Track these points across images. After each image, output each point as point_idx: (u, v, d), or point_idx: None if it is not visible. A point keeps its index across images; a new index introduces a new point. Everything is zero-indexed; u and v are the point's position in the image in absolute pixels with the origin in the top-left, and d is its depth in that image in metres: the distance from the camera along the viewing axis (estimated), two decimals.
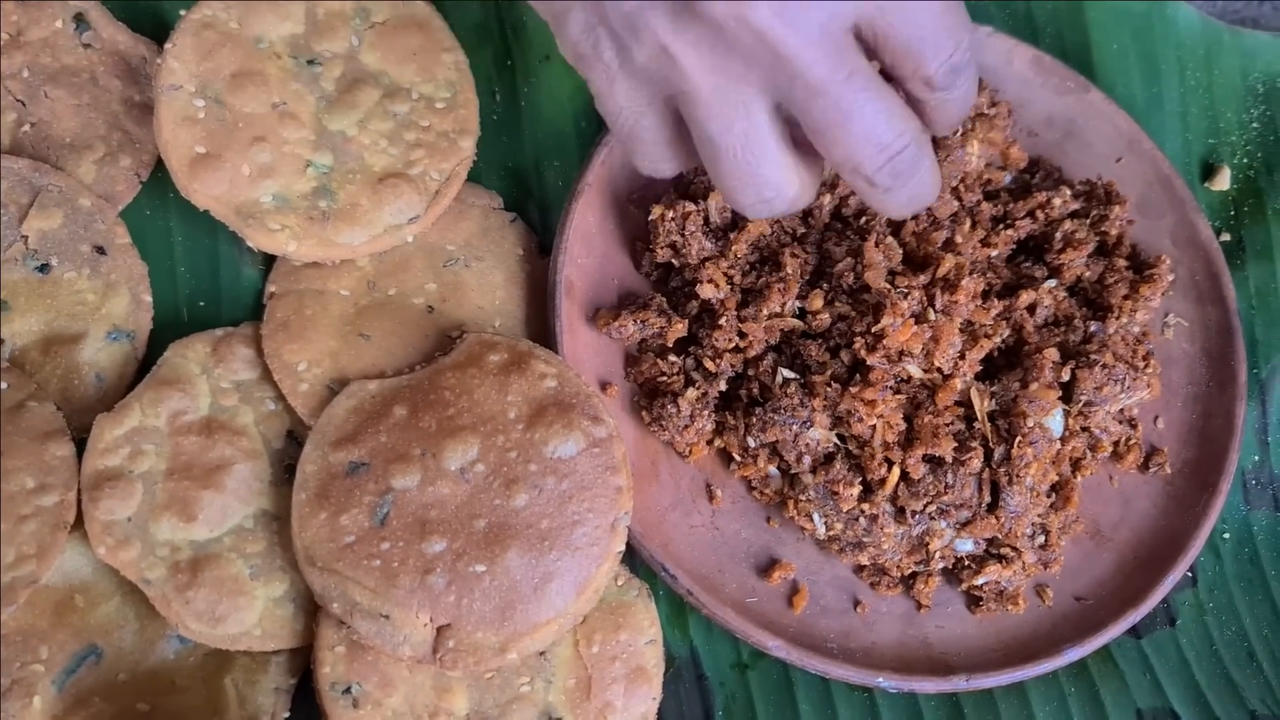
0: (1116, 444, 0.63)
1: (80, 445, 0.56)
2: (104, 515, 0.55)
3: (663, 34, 0.44)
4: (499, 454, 0.53)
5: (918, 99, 0.47)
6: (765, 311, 0.59)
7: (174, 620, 0.54)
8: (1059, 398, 0.59)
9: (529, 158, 0.67)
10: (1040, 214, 0.64)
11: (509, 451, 0.53)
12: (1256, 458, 0.67)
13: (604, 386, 0.60)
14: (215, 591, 0.55)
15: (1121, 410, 0.62)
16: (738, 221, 0.61)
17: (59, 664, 0.53)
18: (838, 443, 0.59)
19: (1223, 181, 0.72)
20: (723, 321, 0.59)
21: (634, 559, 0.59)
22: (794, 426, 0.57)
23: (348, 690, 0.54)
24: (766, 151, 0.46)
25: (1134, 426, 0.64)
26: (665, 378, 0.60)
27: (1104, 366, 0.60)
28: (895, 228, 0.61)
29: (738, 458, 0.61)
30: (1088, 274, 0.65)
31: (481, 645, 0.51)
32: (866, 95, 0.44)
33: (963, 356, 0.59)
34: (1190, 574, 0.64)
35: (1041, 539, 0.61)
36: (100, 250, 0.61)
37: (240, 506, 0.57)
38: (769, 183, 0.46)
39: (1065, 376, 0.60)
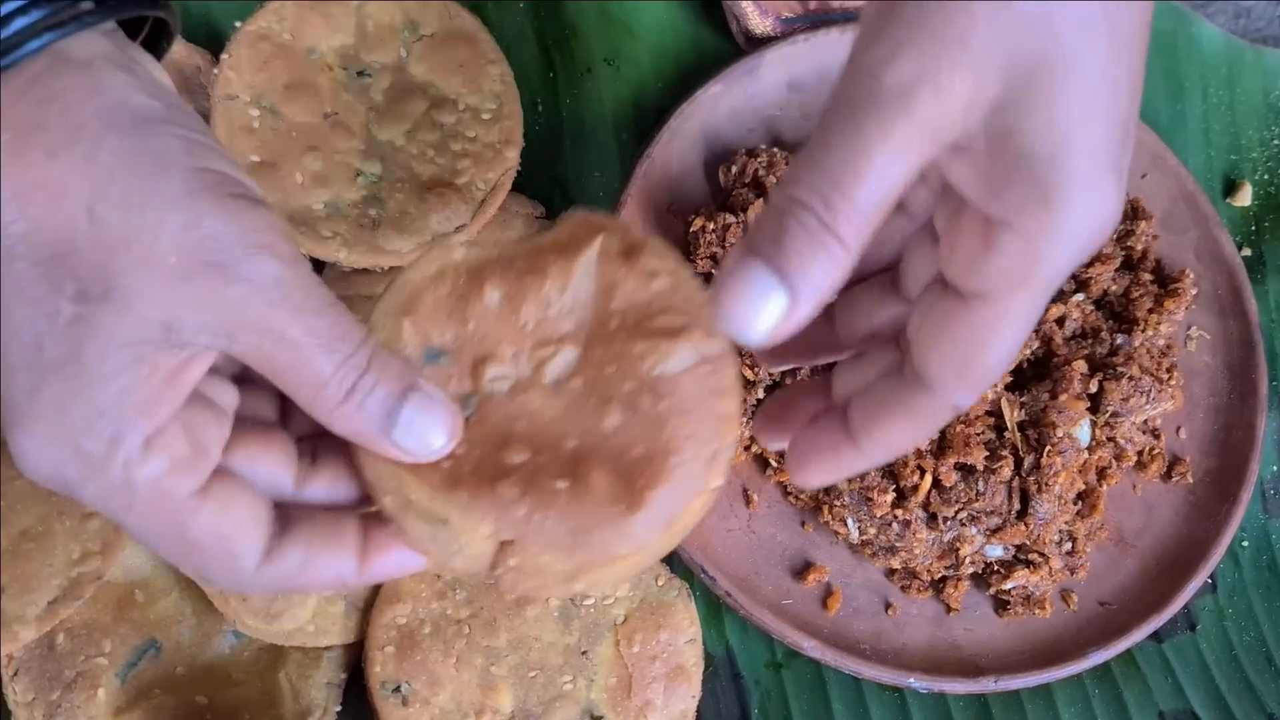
0: (1141, 454, 0.64)
1: None
2: None
3: None
4: (596, 367, 0.45)
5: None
6: None
7: (231, 616, 0.56)
8: (1086, 408, 0.61)
9: (571, 168, 0.68)
10: None
11: (607, 366, 0.45)
12: (1276, 468, 0.68)
13: None
14: None
15: (1146, 421, 0.64)
16: None
17: (121, 657, 0.55)
18: None
19: (1244, 197, 0.74)
20: None
21: (673, 560, 0.60)
22: None
23: (397, 689, 0.56)
24: None
25: (1157, 437, 0.65)
26: None
27: (1130, 378, 0.61)
28: None
29: (774, 464, 0.62)
30: (1114, 288, 0.66)
31: (547, 570, 0.43)
32: None
33: None
34: (1210, 580, 0.66)
35: (1069, 545, 0.62)
36: None
37: None
38: None
39: (1093, 388, 0.61)
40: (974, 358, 0.36)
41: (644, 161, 0.64)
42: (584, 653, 0.57)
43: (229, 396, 0.39)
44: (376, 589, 0.58)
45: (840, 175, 0.33)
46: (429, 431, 0.38)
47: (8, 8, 0.34)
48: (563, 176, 0.68)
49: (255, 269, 0.34)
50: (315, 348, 0.35)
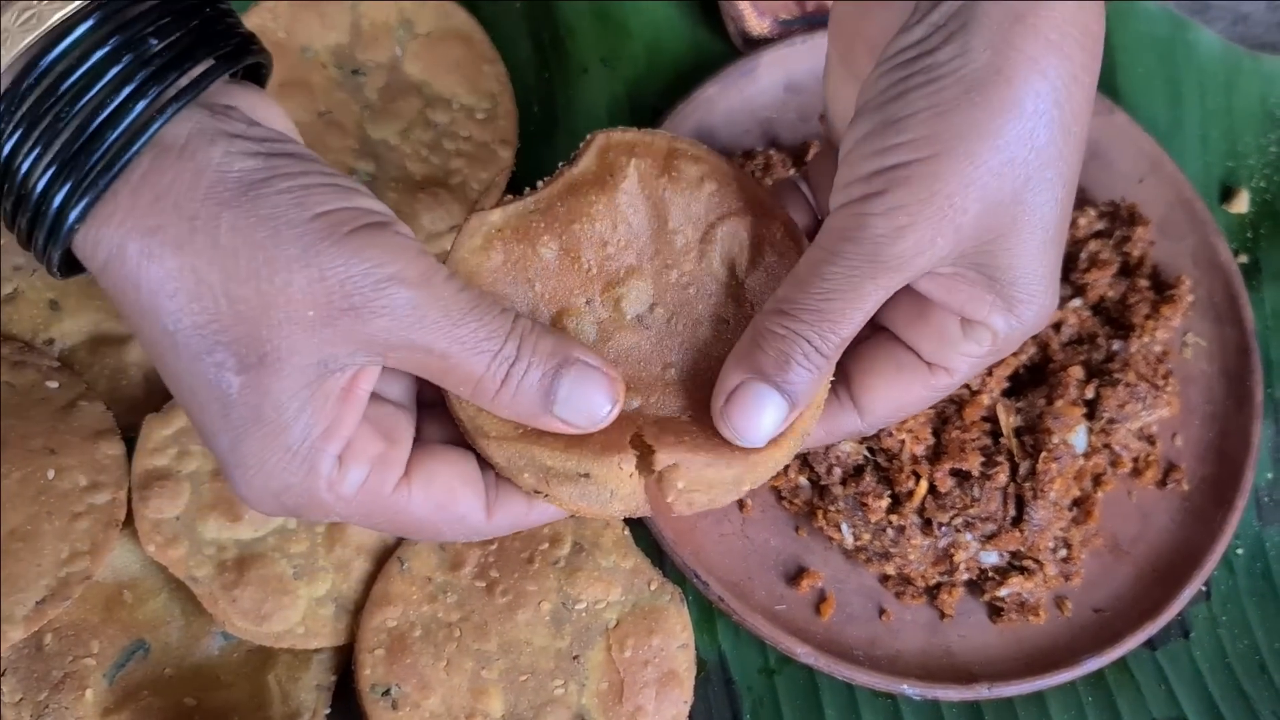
0: (1136, 460, 0.64)
1: (128, 444, 0.58)
2: (153, 514, 0.56)
3: None
4: (676, 291, 0.45)
5: None
6: None
7: (220, 617, 0.55)
8: (1083, 415, 0.61)
9: None
10: None
11: (687, 288, 0.45)
12: (1270, 475, 0.68)
13: None
14: (260, 590, 0.56)
15: (1141, 427, 0.63)
16: None
17: (109, 658, 0.55)
18: (867, 455, 0.60)
19: (1241, 204, 0.73)
20: None
21: (665, 564, 0.60)
22: None
23: (387, 692, 0.55)
24: None
25: (1153, 443, 0.65)
26: None
27: (1126, 385, 0.61)
28: None
29: None
30: (1111, 293, 0.66)
31: (716, 481, 0.43)
32: None
33: (990, 373, 0.60)
34: (1205, 588, 0.65)
35: (1063, 552, 0.61)
36: None
37: None
38: None
39: (1089, 394, 0.61)
40: (914, 408, 0.46)
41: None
42: (575, 657, 0.56)
43: (399, 387, 0.43)
44: (366, 591, 0.57)
45: (838, 321, 0.40)
46: (589, 401, 0.40)
47: (125, 89, 0.36)
48: None
49: (387, 303, 0.36)
50: (463, 355, 0.38)
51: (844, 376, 0.46)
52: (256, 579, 0.56)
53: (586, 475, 0.41)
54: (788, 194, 0.49)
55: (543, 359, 0.39)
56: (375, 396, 0.41)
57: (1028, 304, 0.42)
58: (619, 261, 0.45)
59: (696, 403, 0.44)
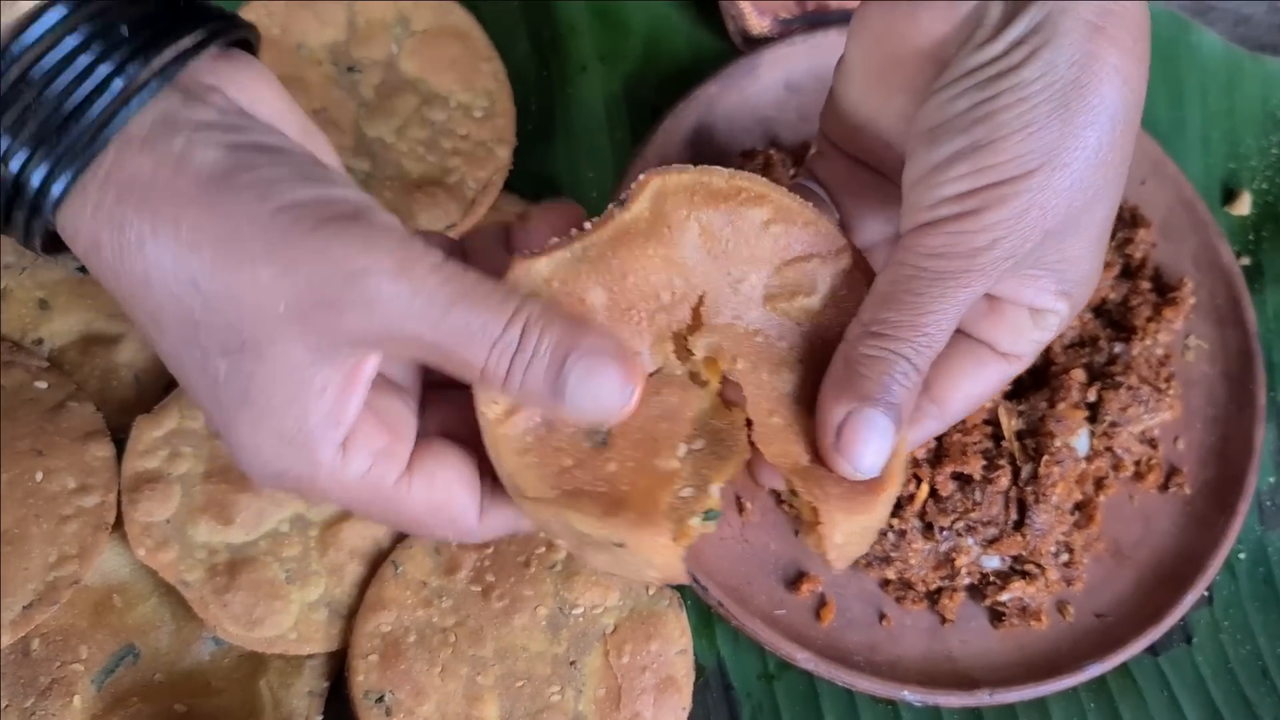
0: (1138, 464, 0.63)
1: (118, 446, 0.57)
2: (143, 517, 0.55)
3: None
4: (745, 339, 0.43)
5: None
6: None
7: (212, 622, 0.54)
8: (1085, 418, 0.61)
9: (563, 167, 0.67)
10: None
11: (755, 335, 0.44)
12: (1273, 479, 0.67)
13: None
14: (252, 594, 0.55)
15: (1143, 431, 0.63)
16: None
17: (98, 663, 0.54)
18: None
19: (1243, 206, 0.73)
20: None
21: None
22: None
23: (380, 699, 0.54)
24: None
25: (1155, 447, 0.64)
26: None
27: (1129, 388, 0.61)
28: None
29: None
30: (1112, 295, 0.65)
31: (865, 528, 0.42)
32: None
33: None
34: (1207, 593, 0.64)
35: (1065, 557, 0.61)
36: None
37: (275, 510, 0.57)
38: None
39: (1091, 397, 0.61)
40: (988, 398, 0.48)
41: (638, 161, 0.62)
42: (572, 663, 0.56)
43: (402, 370, 0.42)
44: (360, 595, 0.57)
45: (934, 334, 0.41)
46: (602, 393, 0.38)
47: (102, 70, 0.35)
48: (555, 175, 0.67)
49: (360, 297, 0.35)
50: (456, 346, 0.36)
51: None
52: (248, 583, 0.55)
53: (621, 545, 0.39)
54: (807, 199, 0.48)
55: (549, 348, 0.37)
56: (381, 383, 0.40)
57: (1086, 286, 0.44)
58: (675, 313, 0.43)
59: (814, 447, 0.43)
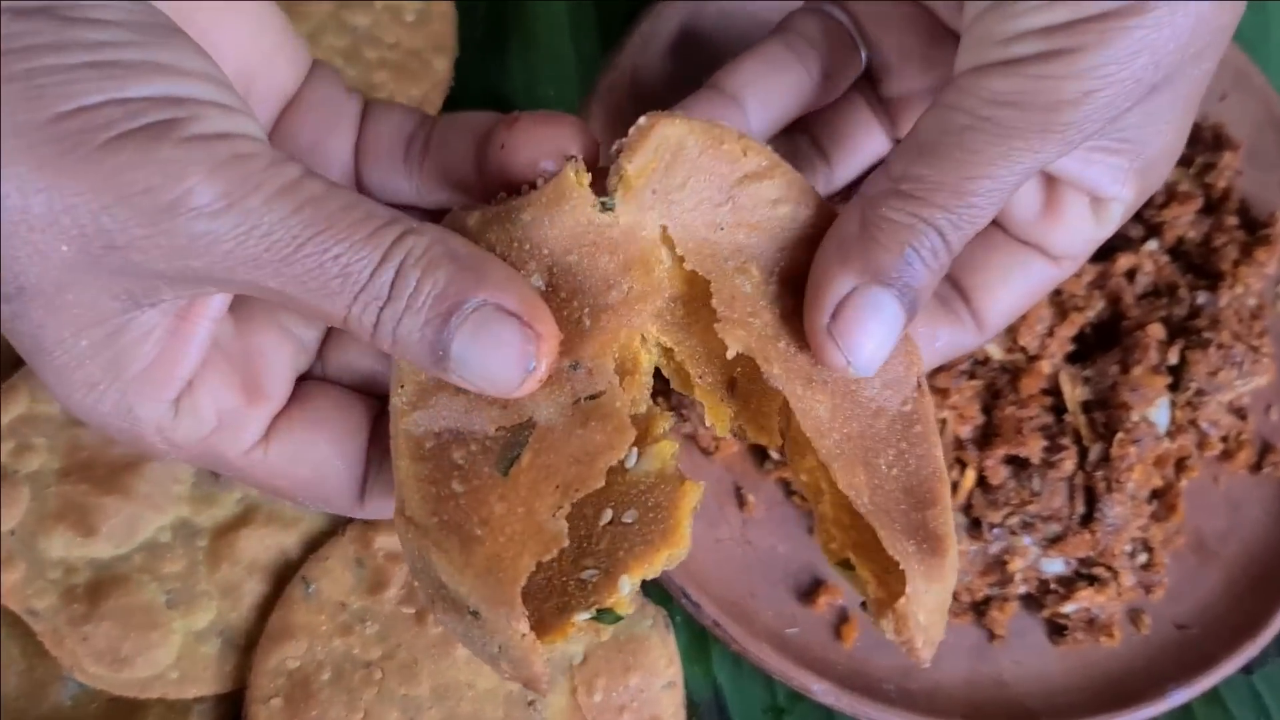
0: (1225, 440, 0.57)
1: None
2: None
3: None
4: (767, 344, 0.36)
5: None
6: None
7: (67, 662, 0.47)
8: (1166, 385, 0.54)
9: (517, 83, 0.60)
10: None
11: (778, 340, 0.36)
12: None
13: None
14: (120, 625, 0.47)
15: (1231, 400, 0.56)
16: None
17: None
18: None
19: None
20: None
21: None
22: None
23: None
24: None
25: (1244, 418, 0.57)
26: None
27: (1219, 346, 0.54)
28: None
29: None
30: (1192, 234, 0.58)
31: (941, 602, 0.36)
32: None
33: (1051, 334, 0.53)
34: None
35: (1143, 557, 0.54)
36: None
37: (153, 516, 0.49)
38: None
39: (1172, 359, 0.54)
40: (1028, 307, 0.43)
41: (609, 73, 0.55)
42: (531, 703, 0.48)
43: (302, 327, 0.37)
44: (261, 621, 0.47)
45: (980, 205, 0.34)
46: (491, 360, 0.31)
47: None
48: (508, 94, 0.60)
49: (170, 240, 0.29)
50: (306, 297, 0.30)
51: (954, 284, 0.42)
52: (115, 610, 0.47)
53: (475, 614, 0.31)
54: (813, 21, 0.42)
55: (428, 300, 0.30)
56: (259, 315, 0.35)
57: (1164, 166, 0.39)
58: (634, 311, 0.34)
59: (874, 485, 0.35)
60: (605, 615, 0.33)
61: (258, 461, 0.35)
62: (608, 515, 0.33)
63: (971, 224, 0.35)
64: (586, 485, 0.31)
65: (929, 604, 0.34)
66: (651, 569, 0.33)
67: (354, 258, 0.30)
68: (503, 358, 0.31)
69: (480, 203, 0.35)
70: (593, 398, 0.32)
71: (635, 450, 0.33)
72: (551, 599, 0.32)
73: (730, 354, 0.34)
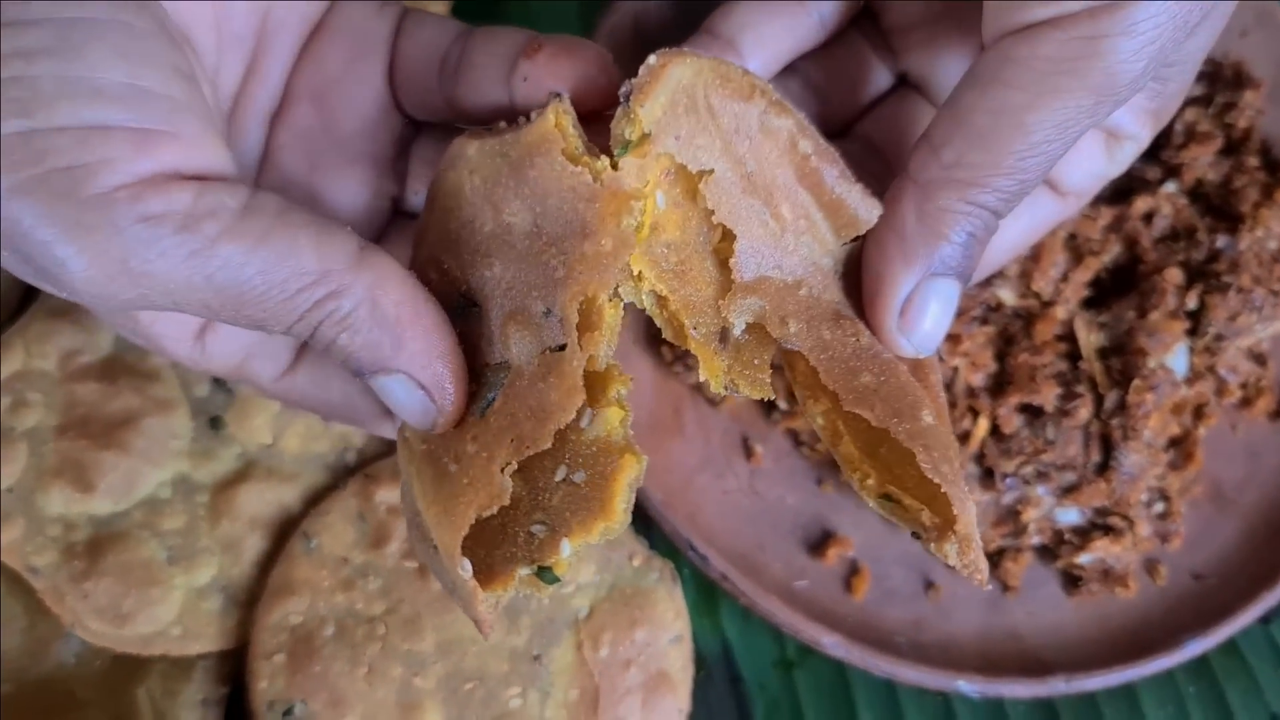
0: (1244, 386, 0.55)
1: None
2: None
3: None
4: (780, 298, 0.36)
5: None
6: None
7: (68, 619, 0.47)
8: (1184, 329, 0.52)
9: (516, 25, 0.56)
10: None
11: (798, 289, 0.36)
12: None
13: None
14: (121, 581, 0.47)
15: (1250, 345, 0.54)
16: None
17: None
18: None
19: None
20: None
21: (653, 533, 0.51)
22: None
23: (289, 711, 0.45)
24: None
25: (1264, 364, 0.56)
26: None
27: (1239, 290, 0.53)
28: None
29: (782, 405, 0.53)
30: (1212, 175, 0.57)
31: (968, 512, 0.36)
32: None
33: (1066, 279, 0.52)
34: None
35: (1160, 506, 0.53)
36: None
37: (152, 471, 0.49)
38: None
39: (1191, 303, 0.53)
40: (1028, 244, 0.43)
41: (611, 15, 0.53)
42: (536, 657, 0.48)
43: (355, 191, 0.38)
44: (263, 577, 0.47)
45: (1030, 179, 0.34)
46: (397, 408, 0.34)
47: None
48: None
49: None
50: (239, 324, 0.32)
51: None
52: (116, 567, 0.46)
53: (435, 549, 0.32)
54: None
55: (344, 355, 0.32)
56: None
57: (1175, 103, 0.39)
58: (609, 266, 0.33)
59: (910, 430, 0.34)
60: (546, 574, 0.33)
61: (289, 387, 0.37)
62: (561, 472, 0.33)
63: (1020, 195, 0.35)
64: (536, 445, 0.32)
65: (968, 516, 0.34)
66: (589, 537, 0.33)
67: (271, 317, 0.30)
68: (408, 414, 0.33)
69: (484, 129, 0.35)
70: (559, 349, 0.32)
71: (590, 411, 0.33)
72: (504, 545, 0.32)
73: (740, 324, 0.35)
